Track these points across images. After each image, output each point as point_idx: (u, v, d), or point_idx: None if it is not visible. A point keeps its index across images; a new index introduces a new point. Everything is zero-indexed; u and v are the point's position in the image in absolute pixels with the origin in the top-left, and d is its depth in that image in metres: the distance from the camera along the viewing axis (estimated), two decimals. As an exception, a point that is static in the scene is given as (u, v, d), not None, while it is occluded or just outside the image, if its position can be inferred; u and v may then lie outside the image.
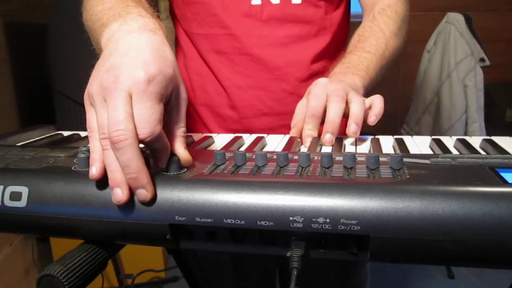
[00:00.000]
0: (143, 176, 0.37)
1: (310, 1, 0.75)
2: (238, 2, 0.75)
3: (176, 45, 0.86)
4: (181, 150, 0.42)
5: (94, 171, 0.39)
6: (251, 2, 0.74)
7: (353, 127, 0.54)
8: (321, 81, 0.61)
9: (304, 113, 0.59)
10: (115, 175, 0.38)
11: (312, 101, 0.58)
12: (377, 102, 0.59)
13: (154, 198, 0.38)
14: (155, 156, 0.41)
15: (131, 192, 0.38)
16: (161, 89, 0.40)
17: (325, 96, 0.58)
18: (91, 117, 0.41)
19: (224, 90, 0.79)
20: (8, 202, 0.41)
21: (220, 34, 0.77)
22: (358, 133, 0.55)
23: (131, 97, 0.38)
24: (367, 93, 0.67)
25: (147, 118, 0.38)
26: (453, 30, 2.04)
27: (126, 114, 0.37)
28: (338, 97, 0.57)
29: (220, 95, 0.80)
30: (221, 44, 0.78)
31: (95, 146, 0.40)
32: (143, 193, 0.38)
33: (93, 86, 0.40)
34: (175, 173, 0.41)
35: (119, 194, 0.38)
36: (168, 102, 0.43)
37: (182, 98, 0.44)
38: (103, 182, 0.40)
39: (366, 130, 0.60)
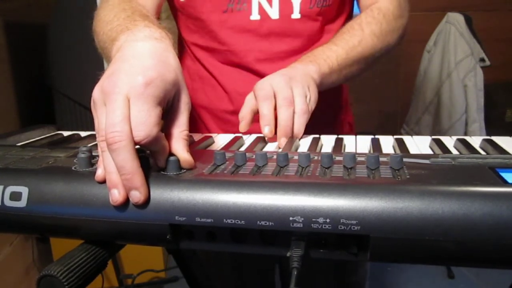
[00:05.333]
0: (137, 178, 0.38)
1: (308, 15, 0.75)
2: (236, 18, 0.75)
3: (179, 46, 0.87)
4: (183, 152, 0.42)
5: (99, 173, 0.40)
6: (250, 18, 0.75)
7: (282, 140, 0.56)
8: (265, 80, 0.61)
9: (251, 107, 0.61)
10: (113, 177, 0.38)
11: (263, 108, 0.58)
12: (296, 120, 0.59)
13: (147, 201, 0.38)
14: (154, 157, 0.42)
15: None
16: (159, 93, 0.40)
17: (273, 95, 0.59)
18: (95, 122, 0.42)
19: (225, 95, 0.80)
20: (8, 202, 0.41)
21: (219, 49, 0.78)
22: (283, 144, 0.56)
23: (129, 101, 0.39)
24: (332, 81, 0.69)
25: (144, 121, 0.38)
26: (453, 30, 2.04)
27: (122, 116, 0.38)
28: (285, 100, 0.58)
29: (221, 100, 0.81)
30: (221, 57, 0.79)
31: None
32: (136, 195, 0.38)
33: (95, 92, 0.41)
34: (175, 173, 0.41)
35: (116, 195, 0.38)
36: (171, 106, 0.44)
37: (185, 103, 0.44)
38: (103, 182, 0.40)
39: (366, 130, 0.60)
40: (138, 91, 0.39)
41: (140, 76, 0.39)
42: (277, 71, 0.64)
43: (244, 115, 0.62)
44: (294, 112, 0.58)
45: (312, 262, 0.38)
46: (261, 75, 0.77)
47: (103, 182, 0.40)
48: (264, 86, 0.60)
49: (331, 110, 0.85)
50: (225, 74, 0.79)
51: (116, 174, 0.38)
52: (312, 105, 0.61)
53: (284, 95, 0.58)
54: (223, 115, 0.81)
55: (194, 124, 0.85)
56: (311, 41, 0.77)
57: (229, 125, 0.81)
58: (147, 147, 0.40)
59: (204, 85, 0.82)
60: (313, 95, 0.61)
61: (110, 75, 0.40)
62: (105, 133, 0.38)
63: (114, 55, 0.46)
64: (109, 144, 0.37)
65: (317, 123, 0.62)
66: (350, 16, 0.84)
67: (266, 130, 0.57)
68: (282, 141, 0.57)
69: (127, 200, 0.39)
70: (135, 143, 0.38)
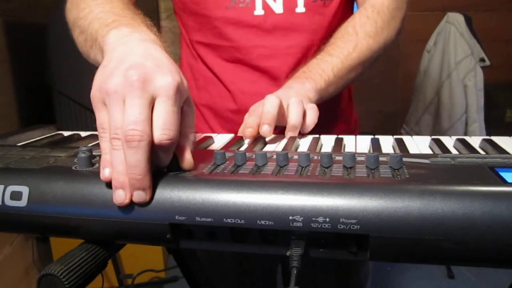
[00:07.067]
0: (147, 180, 0.37)
1: (314, 9, 0.75)
2: (240, 13, 0.75)
3: (182, 45, 0.86)
4: (187, 152, 0.42)
5: (107, 173, 0.39)
6: (254, 13, 0.74)
7: (264, 128, 0.57)
8: (259, 102, 0.62)
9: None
10: (121, 177, 0.38)
11: (248, 119, 0.60)
12: (309, 113, 0.60)
13: (150, 200, 0.38)
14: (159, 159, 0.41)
15: None
16: (182, 97, 0.41)
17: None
18: (103, 116, 0.40)
19: (228, 94, 0.80)
20: (9, 202, 0.41)
21: (223, 45, 0.77)
22: (271, 132, 0.57)
23: (153, 101, 0.39)
24: (330, 93, 0.69)
25: (172, 122, 0.38)
26: (453, 30, 2.04)
27: (145, 115, 0.37)
28: (271, 97, 0.59)
29: (224, 98, 0.81)
30: (224, 54, 0.78)
31: (108, 147, 0.40)
32: (142, 196, 0.38)
33: (113, 82, 0.39)
34: (175, 172, 0.41)
35: (122, 196, 0.38)
36: (182, 108, 0.43)
37: (191, 105, 0.44)
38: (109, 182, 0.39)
39: (366, 130, 0.60)
40: (171, 92, 0.39)
41: (170, 77, 0.39)
42: (274, 92, 0.64)
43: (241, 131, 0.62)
44: (285, 112, 0.59)
45: (314, 265, 0.38)
46: (264, 72, 0.77)
47: (109, 181, 0.39)
48: (256, 106, 0.62)
49: (335, 107, 0.85)
50: (228, 73, 0.79)
51: (125, 175, 0.37)
52: (313, 120, 0.61)
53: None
54: (226, 114, 0.81)
55: (197, 122, 0.85)
56: (317, 37, 0.76)
57: (232, 124, 0.81)
58: (165, 149, 0.39)
59: (207, 84, 0.82)
60: (312, 113, 0.61)
61: (134, 67, 0.39)
62: (123, 129, 0.37)
63: (114, 43, 0.45)
64: (128, 141, 0.36)
65: (322, 120, 0.62)
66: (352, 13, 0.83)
67: (249, 131, 0.58)
68: (265, 128, 0.56)
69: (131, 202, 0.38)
70: (157, 144, 0.38)
